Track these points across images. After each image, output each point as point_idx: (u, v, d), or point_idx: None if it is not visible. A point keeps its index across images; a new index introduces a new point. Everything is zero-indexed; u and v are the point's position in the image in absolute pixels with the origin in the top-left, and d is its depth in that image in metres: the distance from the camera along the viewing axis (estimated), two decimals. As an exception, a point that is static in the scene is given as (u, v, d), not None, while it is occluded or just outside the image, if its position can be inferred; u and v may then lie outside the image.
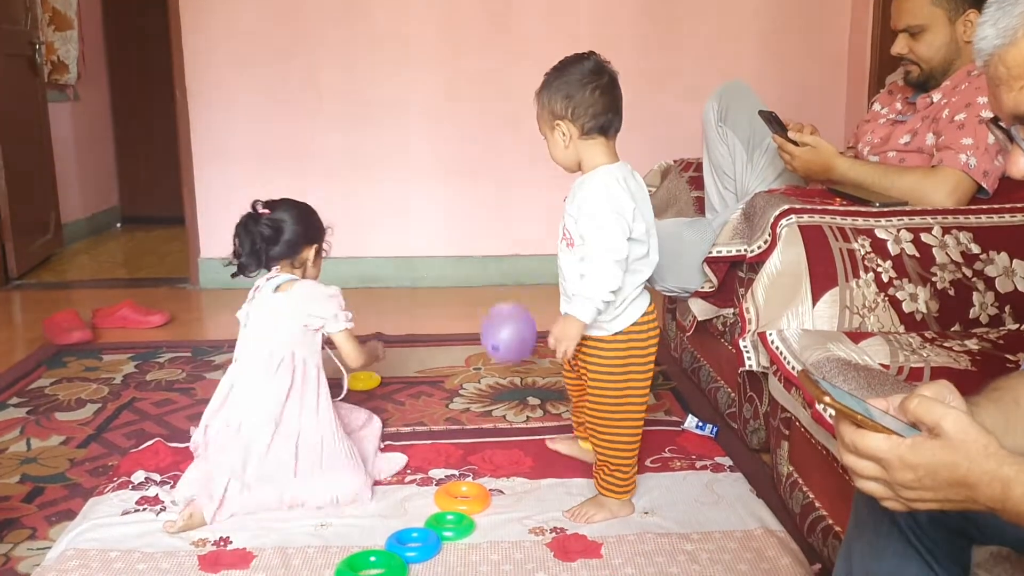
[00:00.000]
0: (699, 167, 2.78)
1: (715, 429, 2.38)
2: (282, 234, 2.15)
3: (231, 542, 1.86)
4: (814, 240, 1.96)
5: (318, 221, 2.26)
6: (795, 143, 2.31)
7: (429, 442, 2.36)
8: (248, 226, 2.13)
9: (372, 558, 1.76)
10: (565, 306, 1.83)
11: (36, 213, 4.82)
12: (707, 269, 2.35)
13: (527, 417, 2.55)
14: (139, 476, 2.12)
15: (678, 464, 2.21)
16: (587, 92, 1.80)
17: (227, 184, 4.20)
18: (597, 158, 1.85)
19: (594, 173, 1.85)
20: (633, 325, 1.89)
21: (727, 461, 2.23)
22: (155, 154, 6.28)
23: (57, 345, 3.28)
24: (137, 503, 2.01)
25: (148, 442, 2.32)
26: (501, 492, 2.07)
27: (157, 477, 2.13)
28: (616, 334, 1.89)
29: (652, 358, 1.93)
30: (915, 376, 1.61)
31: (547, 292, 4.19)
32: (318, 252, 2.25)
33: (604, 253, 1.78)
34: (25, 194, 4.62)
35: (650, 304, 1.93)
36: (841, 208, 2.07)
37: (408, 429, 2.48)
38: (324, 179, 4.24)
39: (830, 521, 1.75)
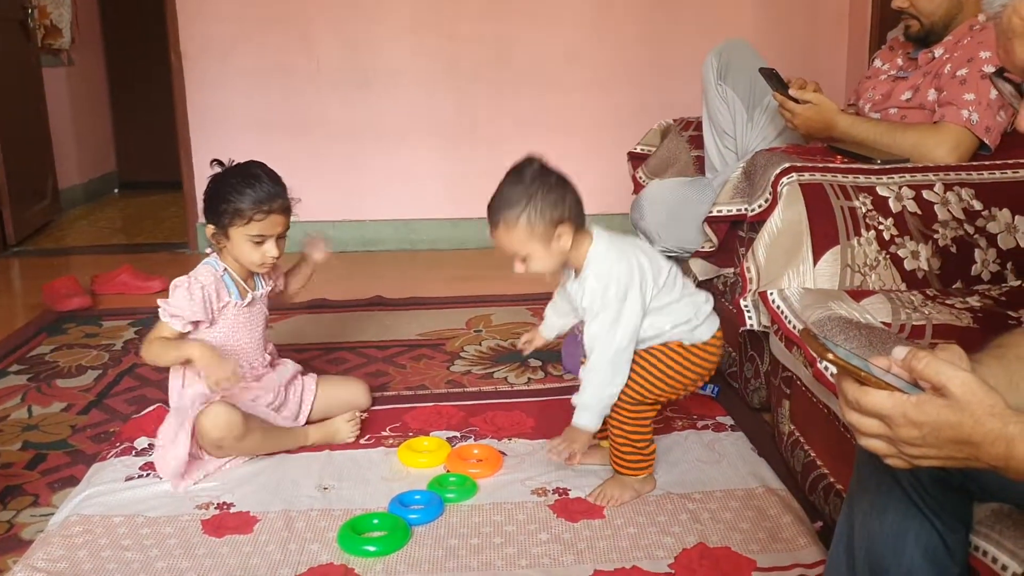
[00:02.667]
0: (699, 126, 2.76)
1: (716, 389, 2.38)
2: (204, 200, 2.06)
3: (234, 506, 1.87)
4: (815, 198, 1.94)
5: (218, 198, 2.00)
6: (796, 100, 2.29)
7: (431, 404, 2.36)
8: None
9: (375, 520, 1.77)
10: (576, 412, 1.82)
11: (33, 179, 4.79)
12: (707, 229, 2.34)
13: (528, 379, 2.55)
14: (142, 442, 2.13)
15: (679, 424, 2.21)
16: (567, 190, 1.78)
17: (224, 149, 4.10)
18: (584, 246, 1.81)
19: (593, 266, 1.80)
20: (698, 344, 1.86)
21: (728, 420, 2.23)
22: (151, 119, 6.23)
23: (57, 312, 3.28)
24: (140, 468, 2.02)
25: (150, 408, 2.32)
26: (503, 454, 2.07)
27: (161, 443, 2.12)
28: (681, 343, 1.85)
29: (700, 377, 1.90)
30: (917, 334, 1.60)
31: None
32: (223, 233, 2.02)
33: (611, 353, 1.77)
34: (21, 160, 4.59)
35: (717, 330, 1.89)
36: (842, 166, 2.05)
37: (410, 392, 2.48)
38: (322, 143, 4.22)
39: (831, 479, 1.75)
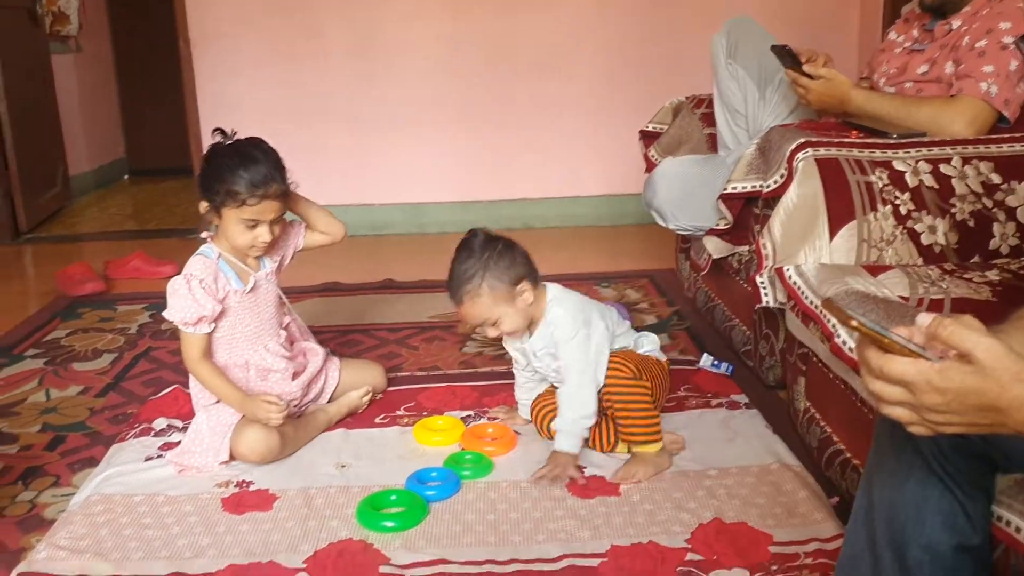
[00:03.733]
0: (711, 103, 2.75)
1: (730, 367, 2.38)
2: (201, 172, 2.00)
3: (253, 484, 1.88)
4: (831, 173, 1.94)
5: (212, 177, 1.95)
6: (809, 76, 2.28)
7: (444, 384, 2.37)
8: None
9: (392, 497, 1.78)
10: (558, 436, 1.91)
11: (43, 167, 4.81)
12: (722, 206, 2.33)
13: (542, 359, 2.55)
14: (160, 423, 2.14)
15: (693, 402, 2.22)
16: (516, 252, 1.92)
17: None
18: (542, 296, 1.96)
19: (558, 310, 1.94)
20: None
21: (743, 398, 2.23)
22: (160, 105, 6.25)
23: (71, 297, 3.29)
24: (160, 449, 2.03)
25: (167, 389, 2.33)
26: (517, 433, 2.08)
27: (179, 423, 2.15)
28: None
29: (662, 378, 2.03)
30: (935, 308, 1.60)
31: (554, 236, 4.19)
32: (215, 211, 1.97)
33: (588, 377, 1.89)
34: (32, 148, 4.61)
35: (665, 360, 2.07)
36: (858, 140, 2.04)
37: (423, 373, 2.48)
38: (331, 128, 4.22)
39: (848, 455, 1.76)
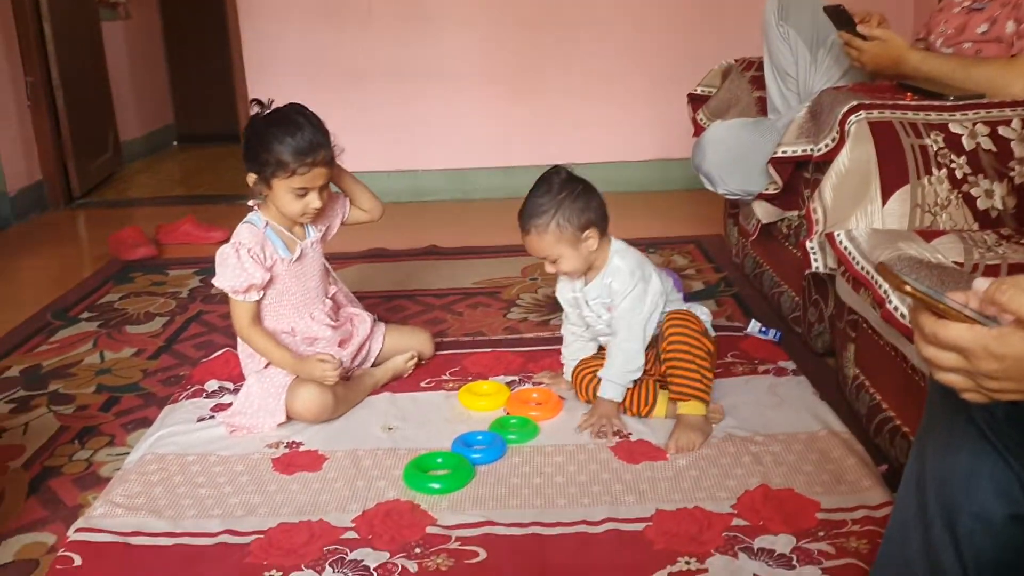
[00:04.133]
0: (761, 66, 2.70)
1: (778, 334, 2.36)
2: (246, 144, 1.99)
3: (303, 445, 1.91)
4: (884, 136, 1.90)
5: (265, 143, 1.93)
6: (863, 37, 2.22)
7: (489, 350, 2.38)
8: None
9: (439, 459, 1.80)
10: (603, 384, 1.96)
11: (95, 133, 4.89)
12: (772, 170, 2.30)
13: (587, 324, 2.55)
14: (212, 385, 2.18)
15: (740, 369, 2.20)
16: (592, 196, 1.94)
17: (280, 100, 4.17)
18: (606, 248, 1.98)
19: (619, 262, 1.97)
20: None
21: (790, 365, 2.21)
22: (207, 71, 6.30)
23: (123, 261, 3.36)
24: (212, 410, 2.07)
25: (218, 352, 2.37)
26: (562, 398, 2.08)
27: (230, 385, 2.18)
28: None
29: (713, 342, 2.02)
30: (991, 273, 1.57)
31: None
32: (264, 183, 1.97)
33: (638, 328, 1.94)
34: (83, 114, 4.68)
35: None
36: (913, 103, 1.99)
37: (468, 338, 2.50)
38: (376, 91, 4.23)
39: (898, 422, 1.74)
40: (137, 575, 1.50)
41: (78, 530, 1.61)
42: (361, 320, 2.22)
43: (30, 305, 2.91)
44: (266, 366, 2.03)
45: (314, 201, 1.98)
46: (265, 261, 1.99)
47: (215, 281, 1.98)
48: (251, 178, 1.99)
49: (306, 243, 2.08)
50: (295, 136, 1.92)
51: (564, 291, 2.07)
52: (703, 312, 2.04)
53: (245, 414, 1.97)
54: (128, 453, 1.92)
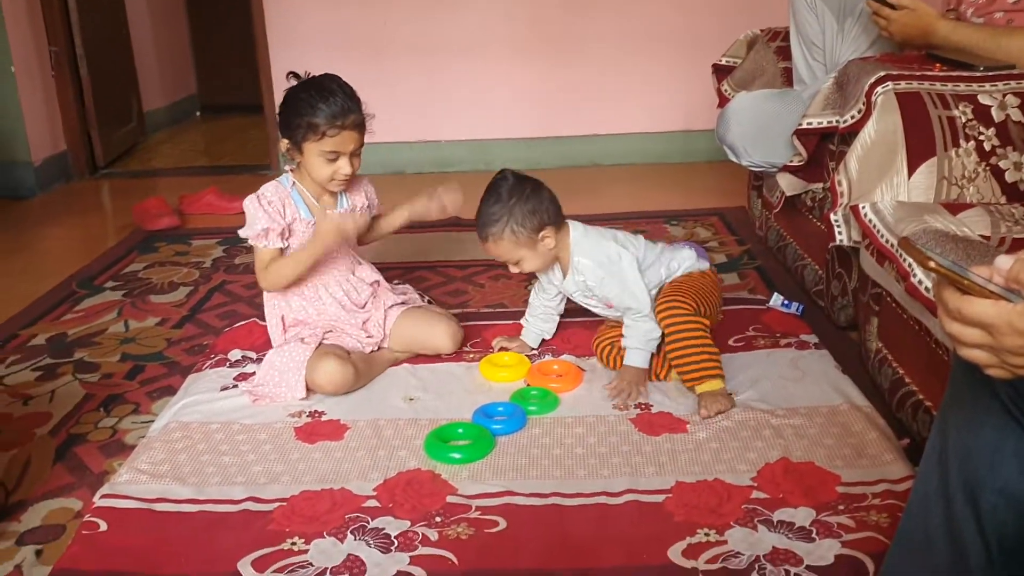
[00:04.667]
0: (787, 36, 2.66)
1: (801, 307, 2.35)
2: (280, 112, 2.04)
3: (325, 414, 1.93)
4: (911, 108, 1.87)
5: (292, 112, 1.99)
6: (891, 6, 2.19)
7: (509, 322, 2.37)
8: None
9: (460, 430, 1.81)
10: (627, 354, 2.00)
11: (118, 103, 4.90)
12: (796, 142, 2.28)
13: (608, 296, 2.54)
14: (235, 354, 2.20)
15: (762, 342, 2.19)
16: (542, 196, 1.97)
17: (304, 69, 4.18)
18: (566, 239, 2.02)
19: (580, 259, 2.01)
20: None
21: (812, 338, 2.20)
22: (230, 42, 6.29)
23: (147, 231, 3.38)
24: (235, 379, 2.09)
25: (242, 322, 2.39)
26: (583, 370, 2.09)
27: (253, 355, 2.20)
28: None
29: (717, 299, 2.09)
30: (1018, 247, 1.55)
31: (622, 173, 4.15)
32: (296, 148, 2.02)
33: (643, 314, 1.98)
34: (107, 84, 4.69)
35: (709, 268, 2.13)
36: (941, 74, 1.96)
37: (488, 310, 2.50)
38: (398, 61, 4.21)
39: (920, 396, 1.73)
40: (162, 541, 1.52)
41: (104, 496, 1.64)
42: (378, 304, 2.19)
43: (55, 274, 2.94)
44: (285, 342, 2.05)
45: (344, 167, 2.02)
46: (284, 215, 2.03)
47: (241, 231, 2.05)
48: (283, 143, 2.04)
49: (334, 212, 2.09)
50: (327, 100, 1.97)
51: (547, 285, 2.15)
52: (686, 257, 2.07)
53: (266, 385, 1.99)
54: (153, 421, 1.95)
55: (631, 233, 2.11)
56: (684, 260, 2.07)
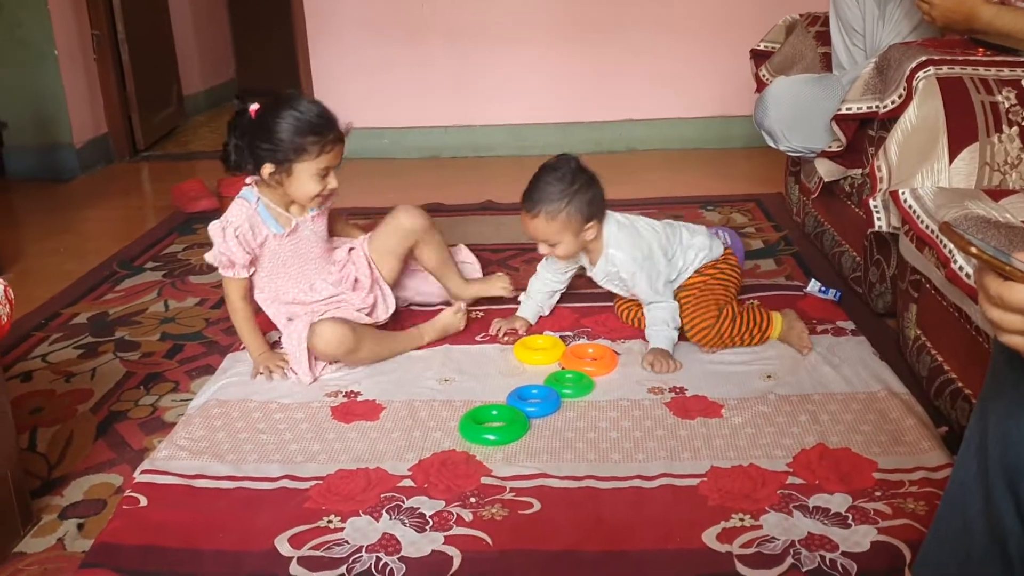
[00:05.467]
0: (826, 21, 2.63)
1: (838, 294, 2.32)
2: (246, 140, 1.96)
3: (361, 395, 1.95)
4: (953, 93, 1.84)
5: (284, 129, 1.92)
6: (935, -10, 2.15)
7: (544, 305, 2.37)
8: (232, 123, 2.01)
9: (494, 412, 1.82)
10: (653, 336, 2.06)
11: (159, 87, 4.95)
12: (835, 127, 2.25)
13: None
14: (272, 335, 2.21)
15: (798, 328, 2.17)
16: (597, 189, 2.02)
17: (342, 56, 4.21)
18: (601, 236, 2.06)
19: (616, 252, 2.05)
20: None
21: (849, 325, 2.18)
22: (269, 27, 6.32)
23: (186, 212, 3.42)
24: (271, 359, 2.11)
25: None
26: (617, 353, 2.08)
27: (288, 335, 2.22)
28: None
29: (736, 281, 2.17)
30: (1062, 234, 1.52)
31: (659, 158, 4.12)
32: (279, 173, 1.96)
33: (661, 304, 2.06)
34: (148, 68, 4.74)
35: (726, 248, 2.18)
36: (984, 59, 1.93)
37: (523, 293, 2.50)
38: (435, 46, 4.21)
39: (959, 384, 1.71)
40: (200, 516, 1.54)
41: (144, 472, 1.66)
42: (357, 255, 2.17)
43: (96, 255, 2.98)
44: (289, 319, 2.08)
45: (332, 181, 2.01)
46: (254, 239, 2.00)
47: (206, 255, 2.07)
48: (267, 169, 1.96)
49: (304, 218, 2.07)
50: (315, 118, 1.95)
51: (563, 265, 2.20)
52: (700, 246, 2.11)
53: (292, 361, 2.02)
54: (192, 399, 1.97)
55: (656, 221, 2.15)
56: (700, 251, 2.11)
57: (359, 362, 2.04)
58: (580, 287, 2.52)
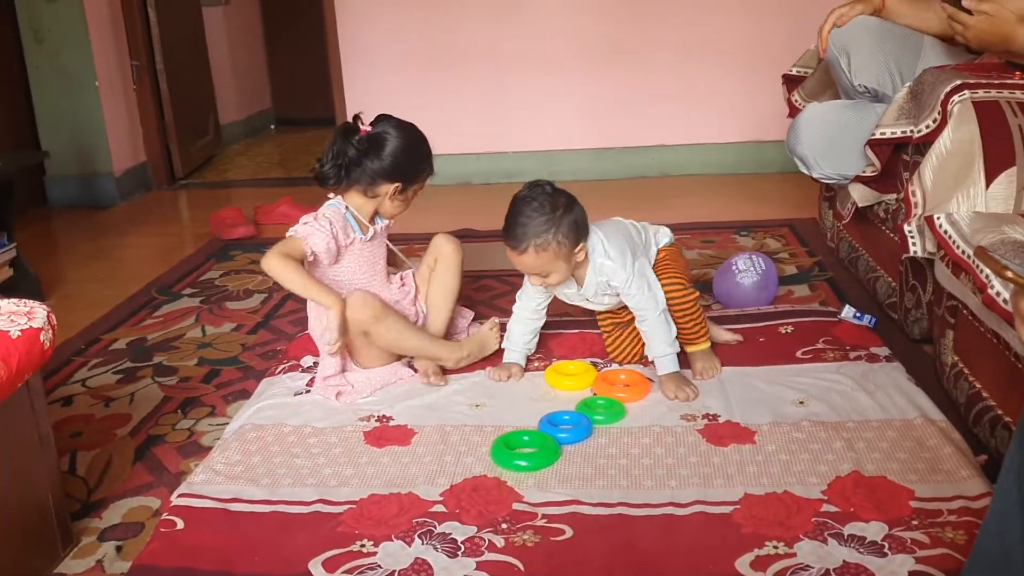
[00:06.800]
0: (860, 46, 2.62)
1: (873, 319, 2.30)
2: (368, 159, 2.05)
3: (393, 419, 1.96)
4: (990, 117, 1.83)
5: (418, 160, 2.12)
6: (968, 12, 2.14)
7: (575, 331, 2.37)
8: (340, 138, 2.06)
9: (526, 437, 1.82)
10: (660, 363, 2.05)
11: (197, 116, 5.05)
12: (869, 152, 2.24)
13: (676, 307, 2.53)
14: (308, 360, 2.24)
15: (831, 355, 2.15)
16: (579, 210, 1.99)
17: (375, 83, 4.27)
18: (585, 250, 2.03)
19: (604, 261, 2.02)
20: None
21: (884, 351, 2.15)
22: (304, 56, 6.44)
23: (223, 240, 3.47)
24: (308, 384, 2.12)
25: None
26: (650, 380, 2.08)
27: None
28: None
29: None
30: (1102, 259, 1.50)
31: (692, 184, 4.12)
32: (400, 191, 2.11)
33: (658, 312, 2.03)
34: (186, 98, 4.84)
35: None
36: (1021, 81, 1.92)
37: (553, 319, 2.49)
38: (467, 73, 4.26)
39: (999, 411, 1.68)
40: (236, 539, 1.55)
41: (180, 495, 1.68)
42: (409, 280, 2.26)
43: (135, 281, 3.04)
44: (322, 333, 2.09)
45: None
46: (344, 239, 2.07)
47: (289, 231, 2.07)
48: (393, 187, 2.09)
49: (378, 227, 2.16)
50: (428, 146, 2.14)
51: (535, 293, 2.15)
52: (664, 234, 2.18)
53: (324, 373, 2.06)
54: (228, 423, 2.00)
55: (623, 219, 2.18)
56: (663, 237, 2.18)
57: (381, 336, 2.05)
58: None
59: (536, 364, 2.20)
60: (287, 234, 2.04)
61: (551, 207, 1.94)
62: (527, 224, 1.94)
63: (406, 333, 2.11)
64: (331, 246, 2.03)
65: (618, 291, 2.05)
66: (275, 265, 1.97)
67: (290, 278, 1.97)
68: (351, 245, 2.09)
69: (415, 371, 2.13)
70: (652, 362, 2.06)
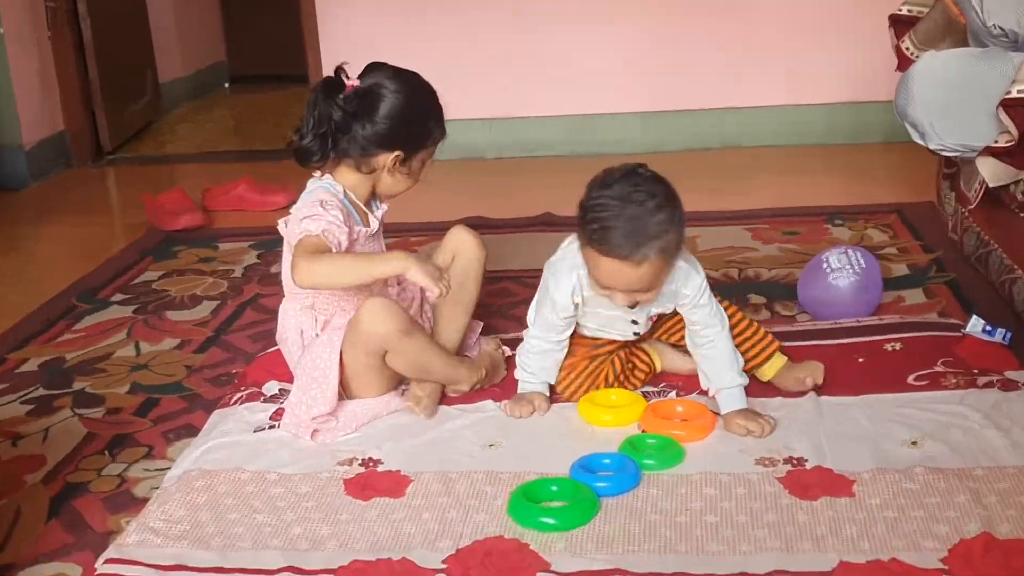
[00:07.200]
0: (990, -23, 2.62)
1: (1008, 334, 2.29)
2: (358, 122, 2.04)
3: (381, 463, 1.96)
4: None
5: (423, 119, 2.10)
6: None
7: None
8: (321, 98, 2.04)
9: (554, 487, 1.82)
10: (726, 397, 2.05)
11: (130, 74, 5.08)
12: (1003, 115, 2.23)
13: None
14: (272, 387, 2.25)
15: (953, 381, 2.15)
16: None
17: (359, 30, 4.28)
18: None
19: (681, 269, 2.02)
20: None
21: (1022, 376, 2.14)
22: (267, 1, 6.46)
23: (163, 231, 3.50)
24: (272, 418, 2.13)
25: (278, 346, 2.44)
26: (715, 413, 2.07)
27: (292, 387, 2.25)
28: None
29: None
30: None
31: (767, 157, 4.12)
32: (403, 161, 2.10)
33: (726, 330, 2.08)
34: (115, 50, 4.86)
35: None
36: None
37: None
38: (478, 21, 4.27)
39: None
40: (179, 618, 1.56)
41: (107, 561, 1.68)
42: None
43: (51, 284, 3.06)
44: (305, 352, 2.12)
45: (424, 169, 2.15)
46: (350, 231, 2.06)
47: (285, 223, 2.07)
48: (392, 157, 2.07)
49: (378, 214, 2.17)
50: (437, 101, 2.13)
51: (604, 308, 2.09)
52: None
53: (299, 405, 2.03)
54: (169, 468, 2.00)
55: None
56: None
57: (405, 356, 2.05)
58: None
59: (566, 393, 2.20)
60: (297, 237, 1.99)
61: (665, 197, 1.89)
62: (645, 221, 1.86)
63: (430, 352, 2.11)
64: (344, 243, 2.02)
65: (685, 302, 2.04)
66: (319, 267, 1.94)
67: (343, 269, 1.98)
68: (355, 242, 2.09)
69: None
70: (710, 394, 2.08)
